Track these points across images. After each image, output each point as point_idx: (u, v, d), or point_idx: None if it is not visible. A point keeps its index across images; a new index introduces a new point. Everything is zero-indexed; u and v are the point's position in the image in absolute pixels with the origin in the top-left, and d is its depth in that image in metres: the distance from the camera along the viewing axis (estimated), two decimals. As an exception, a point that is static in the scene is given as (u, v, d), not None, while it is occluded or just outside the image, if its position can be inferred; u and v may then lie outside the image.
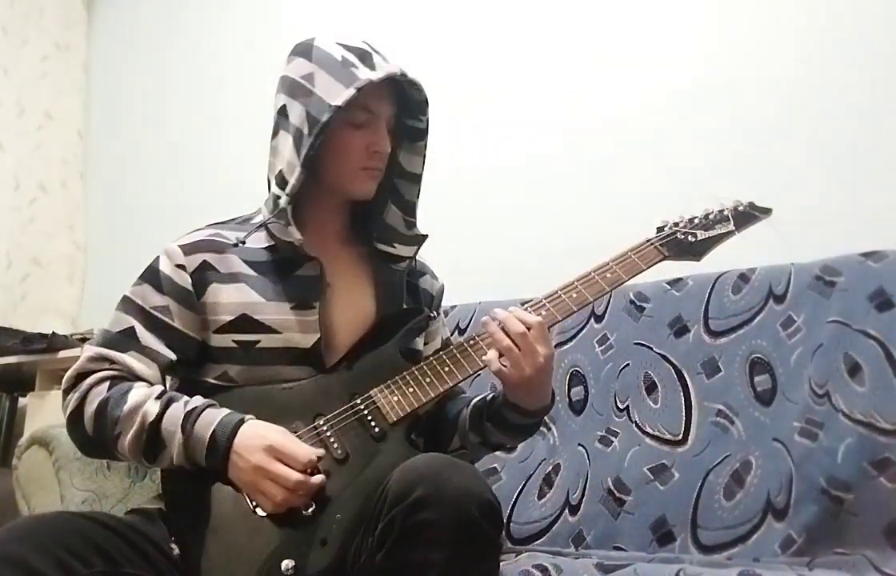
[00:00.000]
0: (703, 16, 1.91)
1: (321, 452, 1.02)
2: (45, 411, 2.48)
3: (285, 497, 0.97)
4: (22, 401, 2.87)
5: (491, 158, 2.18)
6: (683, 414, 1.47)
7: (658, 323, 1.58)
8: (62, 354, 2.50)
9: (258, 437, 1.00)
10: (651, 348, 1.57)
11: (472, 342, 1.14)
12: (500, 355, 1.07)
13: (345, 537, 0.96)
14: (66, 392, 1.10)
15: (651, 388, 1.53)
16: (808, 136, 1.71)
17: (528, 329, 1.06)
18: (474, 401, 1.24)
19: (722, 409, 1.44)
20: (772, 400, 1.40)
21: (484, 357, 1.10)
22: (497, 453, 1.45)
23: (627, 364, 1.57)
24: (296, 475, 0.97)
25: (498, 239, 2.11)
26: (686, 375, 1.50)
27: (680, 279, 1.59)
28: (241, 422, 1.02)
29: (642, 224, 1.90)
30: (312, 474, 0.99)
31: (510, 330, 1.07)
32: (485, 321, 1.11)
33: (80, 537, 0.87)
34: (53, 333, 2.60)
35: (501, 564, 1.00)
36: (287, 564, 0.93)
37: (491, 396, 1.21)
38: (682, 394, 1.49)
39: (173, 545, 0.99)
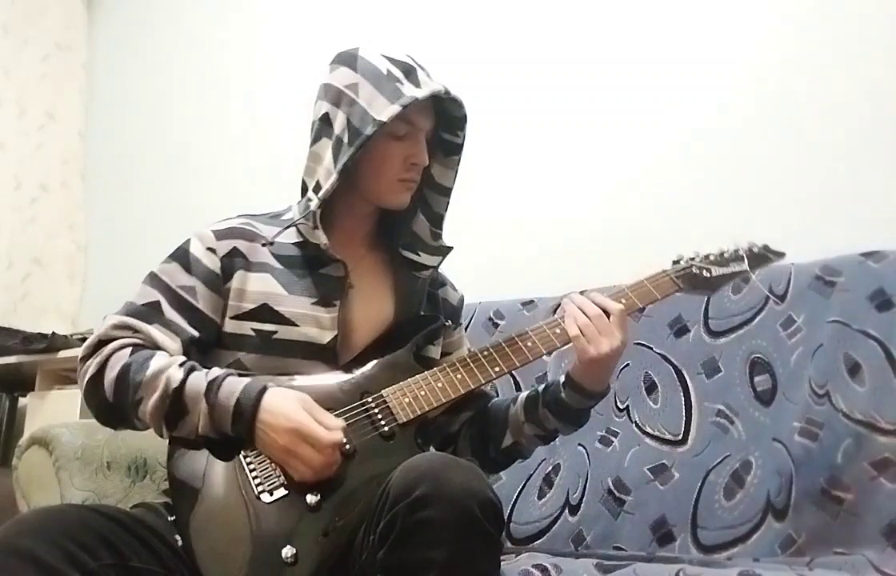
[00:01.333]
0: (702, 17, 1.91)
1: (342, 436, 1.02)
2: (45, 411, 2.48)
3: (313, 475, 0.99)
4: (22, 401, 2.87)
5: (490, 158, 2.18)
6: (683, 414, 1.48)
7: (658, 323, 1.58)
8: (62, 354, 2.50)
9: (282, 416, 1.01)
10: (651, 348, 1.57)
11: (485, 353, 1.16)
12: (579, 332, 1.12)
13: (347, 532, 0.96)
14: (85, 359, 1.10)
15: (651, 388, 1.54)
16: (808, 136, 1.71)
17: (609, 314, 1.12)
18: (525, 394, 1.26)
19: (722, 409, 1.44)
20: (772, 400, 1.40)
21: (563, 328, 1.15)
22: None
23: (627, 364, 1.57)
24: (321, 459, 0.99)
25: (498, 240, 2.11)
26: (686, 375, 1.51)
27: (680, 279, 1.59)
28: (264, 390, 1.03)
29: (642, 224, 1.90)
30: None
31: (588, 311, 1.13)
32: (566, 300, 1.16)
33: (88, 530, 0.87)
34: (53, 333, 2.60)
35: (501, 563, 1.00)
36: (287, 551, 0.93)
37: (543, 386, 1.23)
38: (682, 394, 1.50)
39: (177, 536, 0.99)
